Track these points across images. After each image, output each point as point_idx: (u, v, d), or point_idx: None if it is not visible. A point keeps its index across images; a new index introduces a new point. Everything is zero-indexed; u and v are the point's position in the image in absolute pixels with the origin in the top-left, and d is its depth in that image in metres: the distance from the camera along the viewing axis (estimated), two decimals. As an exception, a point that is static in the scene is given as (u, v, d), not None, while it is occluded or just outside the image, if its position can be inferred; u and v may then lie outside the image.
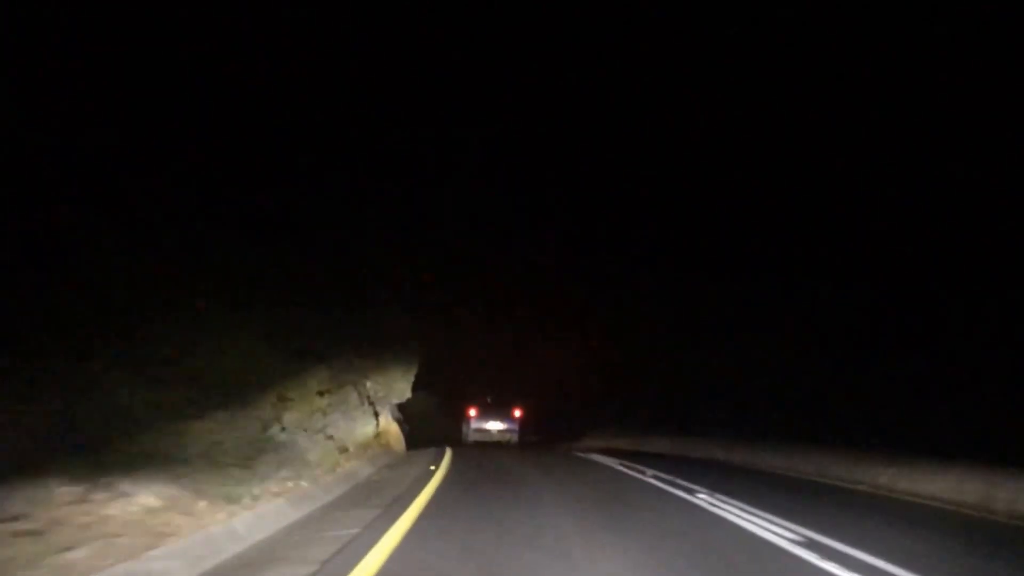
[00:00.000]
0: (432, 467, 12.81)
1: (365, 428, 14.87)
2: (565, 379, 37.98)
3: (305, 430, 11.32)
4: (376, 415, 16.07)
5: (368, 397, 15.50)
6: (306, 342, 13.15)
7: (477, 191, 22.83)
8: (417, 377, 33.00)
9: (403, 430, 21.44)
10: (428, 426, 32.05)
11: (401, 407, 23.11)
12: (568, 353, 34.54)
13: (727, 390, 27.28)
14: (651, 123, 23.32)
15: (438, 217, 22.37)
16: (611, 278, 30.94)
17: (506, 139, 22.93)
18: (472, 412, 22.71)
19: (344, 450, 12.54)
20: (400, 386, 20.54)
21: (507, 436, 21.86)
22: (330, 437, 12.09)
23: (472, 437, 22.35)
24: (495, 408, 22.31)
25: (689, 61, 20.68)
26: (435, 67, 18.79)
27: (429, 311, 24.64)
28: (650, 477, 12.08)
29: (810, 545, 6.14)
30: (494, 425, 22.10)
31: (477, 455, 17.83)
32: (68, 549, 4.46)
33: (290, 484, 8.30)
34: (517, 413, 22.06)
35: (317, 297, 16.03)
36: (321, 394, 12.59)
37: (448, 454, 17.60)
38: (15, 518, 5.00)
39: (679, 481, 11.16)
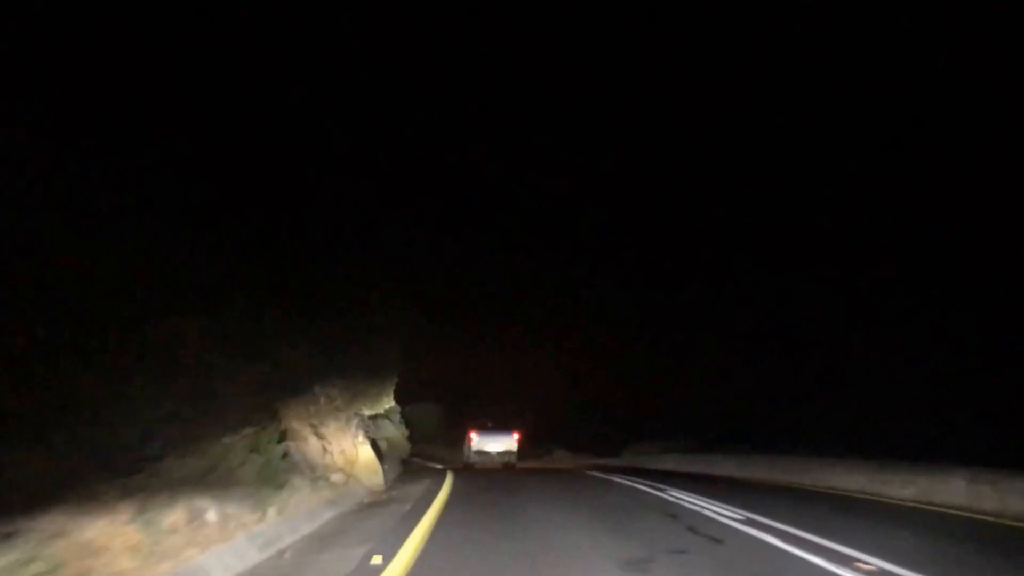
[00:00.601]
0: (377, 560, 5.54)
1: (259, 468, 7.54)
2: (596, 388, 34.03)
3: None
4: (284, 438, 8.74)
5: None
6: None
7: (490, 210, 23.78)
8: (424, 388, 30.27)
9: (382, 455, 14.19)
10: (435, 436, 31.05)
11: (408, 420, 20.53)
12: (601, 360, 33.15)
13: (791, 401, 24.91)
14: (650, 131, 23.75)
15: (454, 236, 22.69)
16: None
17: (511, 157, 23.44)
18: (473, 436, 21.32)
19: (190, 521, 5.33)
20: (372, 392, 13.32)
21: (506, 458, 20.84)
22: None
23: (473, 460, 21.09)
24: (495, 431, 21.33)
25: (678, 72, 20.86)
26: (420, 78, 18.28)
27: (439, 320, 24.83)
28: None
29: None
30: (494, 448, 20.96)
31: (489, 501, 10.50)
32: None
33: None
34: (516, 436, 21.28)
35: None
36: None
37: (443, 494, 10.47)
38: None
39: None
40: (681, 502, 9.50)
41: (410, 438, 22.00)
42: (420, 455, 27.36)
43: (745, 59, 19.50)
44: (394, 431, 20.46)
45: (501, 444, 20.93)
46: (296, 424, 11.08)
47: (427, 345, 33.34)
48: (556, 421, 35.86)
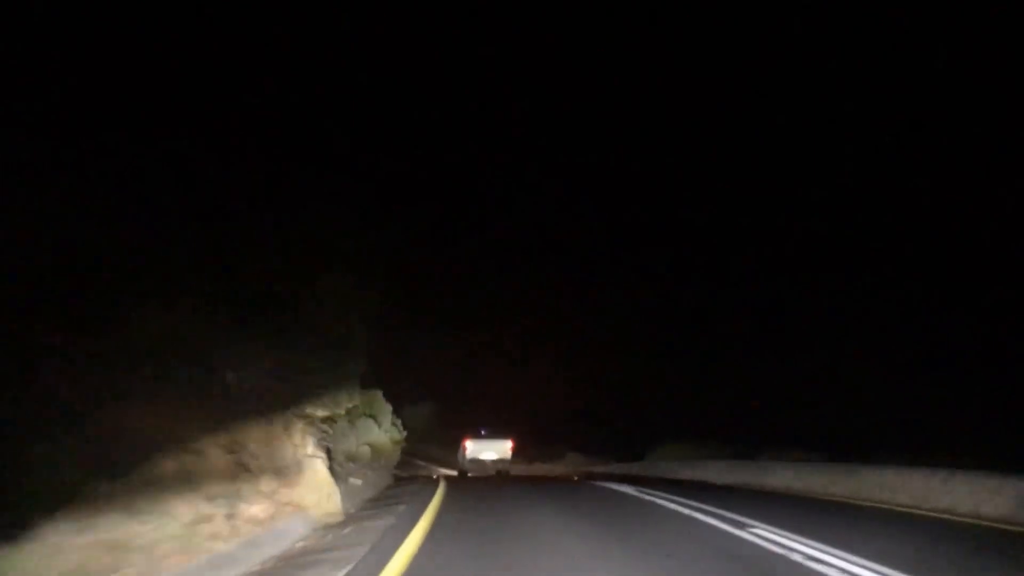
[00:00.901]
0: None
1: None
2: (604, 388, 31.85)
3: None
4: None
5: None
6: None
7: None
8: (423, 388, 28.60)
9: (336, 472, 10.44)
10: (432, 436, 29.32)
11: (404, 421, 19.17)
12: (610, 359, 31.07)
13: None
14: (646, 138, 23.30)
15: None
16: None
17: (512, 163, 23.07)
18: (467, 444, 20.95)
19: None
20: (319, 385, 9.57)
21: (499, 466, 20.72)
22: None
23: (467, 467, 20.86)
24: (489, 439, 21.12)
25: (678, 72, 20.11)
26: (420, 79, 18.20)
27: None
28: None
29: None
30: (488, 455, 20.75)
31: (481, 552, 6.75)
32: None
33: None
34: (510, 444, 21.28)
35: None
36: None
37: (417, 533, 6.84)
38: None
39: None
40: (793, 555, 5.70)
41: (407, 438, 19.97)
42: (417, 455, 26.71)
43: (745, 60, 20.38)
44: (380, 435, 16.82)
45: (495, 452, 20.99)
46: (195, 431, 7.41)
47: (428, 347, 31.82)
48: (568, 423, 33.23)
